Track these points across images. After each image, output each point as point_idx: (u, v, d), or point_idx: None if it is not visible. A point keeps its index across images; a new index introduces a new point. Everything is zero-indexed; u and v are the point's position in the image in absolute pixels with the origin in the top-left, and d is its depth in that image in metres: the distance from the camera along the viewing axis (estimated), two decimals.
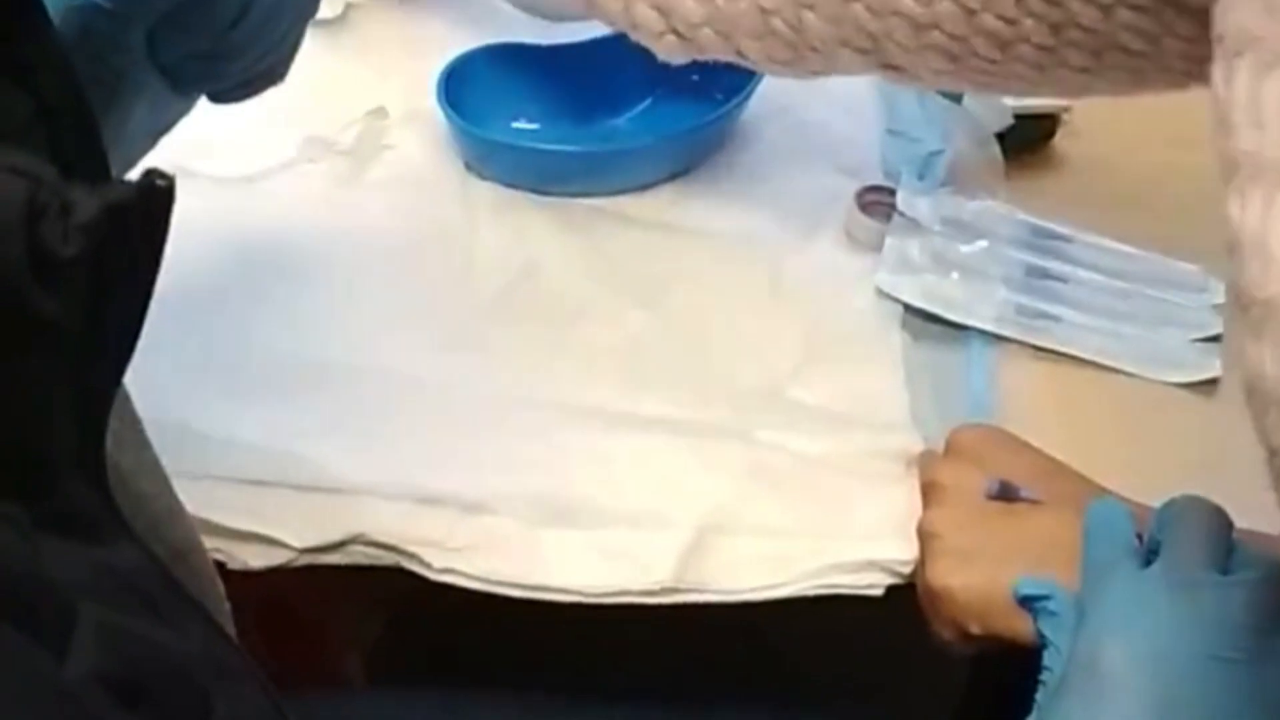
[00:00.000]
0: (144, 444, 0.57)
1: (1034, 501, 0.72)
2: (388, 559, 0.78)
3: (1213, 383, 0.87)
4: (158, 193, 0.41)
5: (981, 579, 0.69)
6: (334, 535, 0.77)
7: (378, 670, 1.11)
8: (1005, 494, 0.72)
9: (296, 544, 0.76)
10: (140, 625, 0.43)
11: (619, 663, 1.00)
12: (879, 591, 0.78)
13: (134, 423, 0.57)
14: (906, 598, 0.78)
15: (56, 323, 0.40)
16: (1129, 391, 0.86)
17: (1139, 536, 0.66)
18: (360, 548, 0.78)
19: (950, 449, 0.76)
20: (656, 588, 0.77)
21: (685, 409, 0.84)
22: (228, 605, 0.61)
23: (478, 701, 0.85)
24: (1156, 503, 0.72)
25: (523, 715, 0.86)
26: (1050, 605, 0.65)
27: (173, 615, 0.46)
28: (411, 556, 0.77)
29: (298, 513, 0.77)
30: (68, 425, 0.43)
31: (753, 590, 0.78)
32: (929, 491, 0.75)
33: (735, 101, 0.97)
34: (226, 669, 0.47)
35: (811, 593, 0.78)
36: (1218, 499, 0.75)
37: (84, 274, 0.40)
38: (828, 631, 0.99)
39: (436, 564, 0.77)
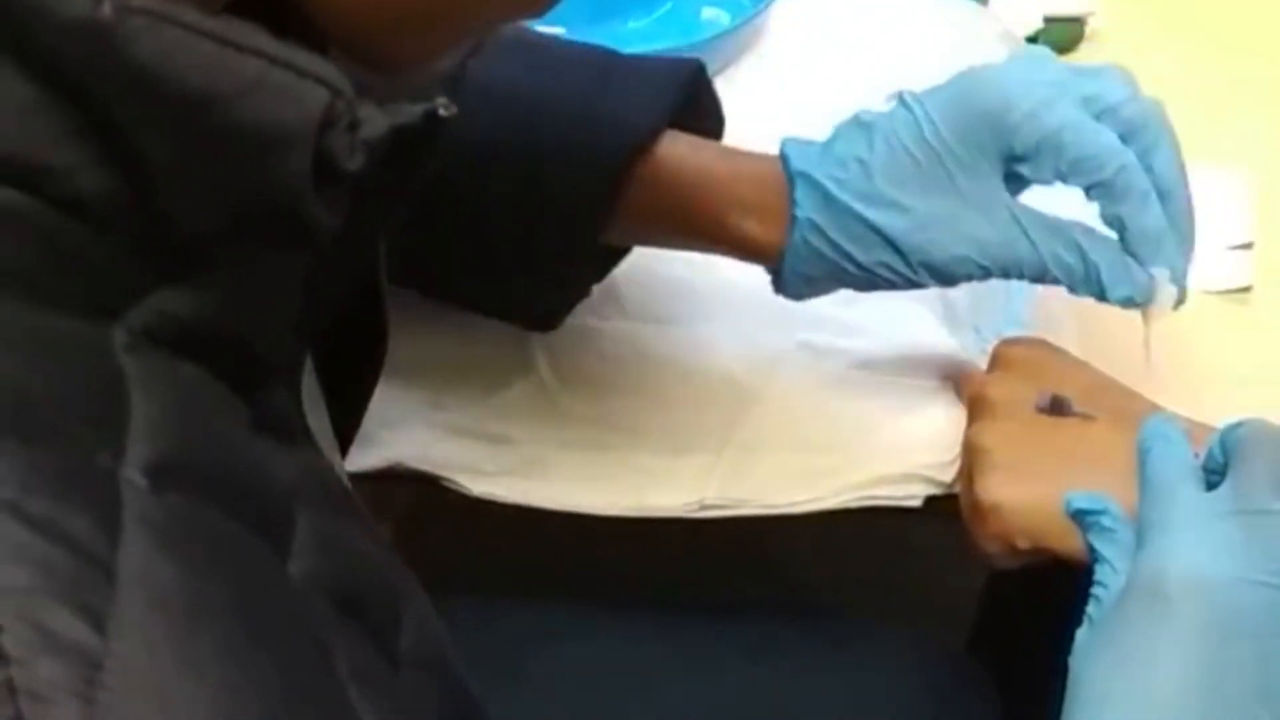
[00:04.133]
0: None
1: (1085, 416, 0.72)
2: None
3: (1246, 290, 0.87)
4: (438, 120, 0.41)
5: (1032, 494, 0.69)
6: (372, 464, 0.77)
7: None
8: (1056, 408, 0.72)
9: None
10: (344, 531, 0.44)
11: (623, 577, 1.01)
12: (918, 503, 0.78)
13: None
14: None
15: (320, 228, 0.40)
16: None
17: (1194, 455, 0.66)
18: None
19: (998, 362, 0.76)
20: (697, 504, 0.78)
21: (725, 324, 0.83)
22: None
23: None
24: (1190, 411, 0.73)
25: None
26: (1104, 520, 0.65)
27: (358, 523, 0.46)
28: (450, 482, 0.78)
29: None
30: (289, 330, 0.44)
31: (794, 504, 0.78)
32: (977, 405, 0.74)
33: (761, 5, 0.95)
34: (405, 579, 0.47)
35: (853, 505, 0.78)
36: (1253, 407, 0.76)
37: (353, 187, 0.40)
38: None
39: (475, 489, 0.77)
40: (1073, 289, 0.72)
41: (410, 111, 0.41)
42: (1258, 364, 0.82)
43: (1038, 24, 0.96)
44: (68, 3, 0.36)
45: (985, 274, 0.72)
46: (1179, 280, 0.71)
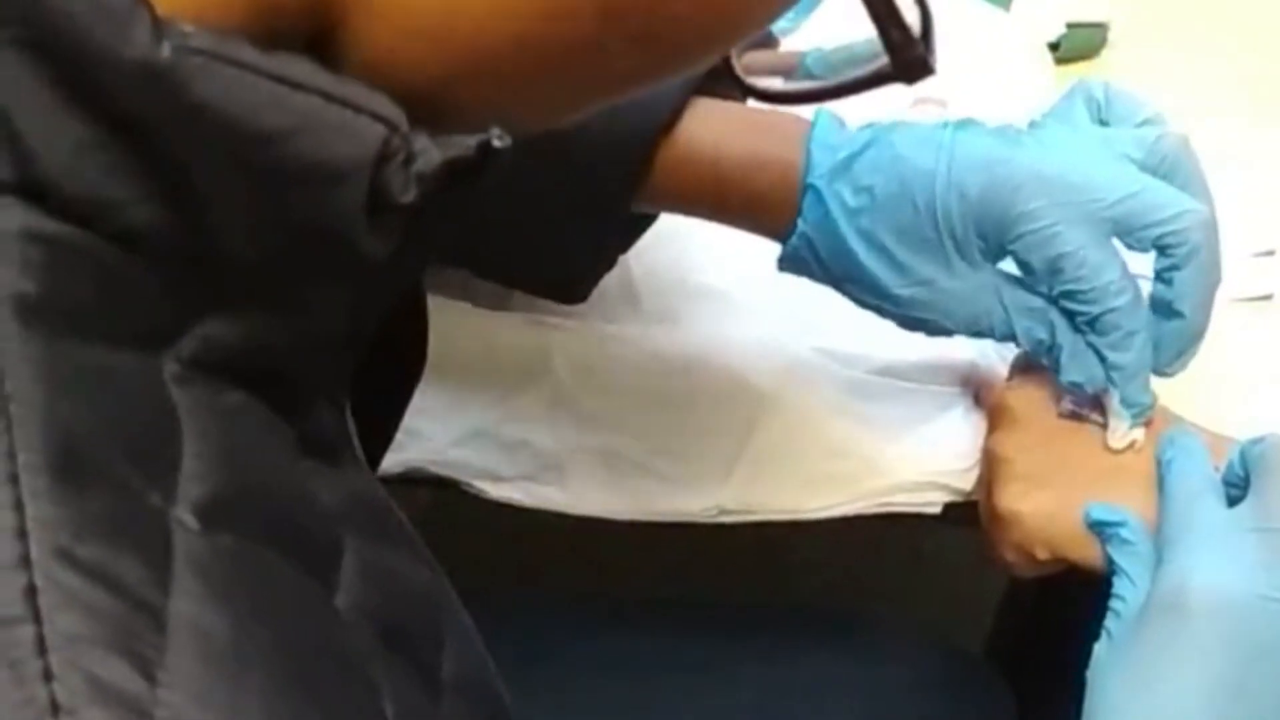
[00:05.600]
0: None
1: (1105, 425, 0.71)
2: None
3: (1267, 298, 0.86)
4: (492, 152, 0.41)
5: (1051, 504, 0.69)
6: (392, 468, 0.77)
7: None
8: (1077, 415, 0.72)
9: None
10: (388, 556, 0.44)
11: (639, 580, 1.01)
12: (937, 509, 0.78)
13: None
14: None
15: (370, 260, 0.41)
16: None
17: (1214, 468, 0.66)
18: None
19: (1019, 370, 0.76)
20: (715, 510, 0.78)
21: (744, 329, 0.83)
22: None
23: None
24: (1210, 419, 0.72)
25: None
26: (1123, 532, 0.65)
27: (401, 543, 0.46)
28: (468, 486, 0.78)
29: None
30: (336, 354, 0.45)
31: (811, 510, 0.78)
32: (997, 414, 0.74)
33: (790, 25, 0.95)
34: (446, 597, 0.47)
35: (871, 511, 0.78)
36: (1275, 415, 0.75)
37: (407, 220, 0.40)
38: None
39: (493, 493, 0.77)
40: (1037, 359, 0.72)
41: (464, 144, 0.41)
42: (1278, 372, 0.82)
43: (1060, 30, 0.96)
44: (126, 44, 0.36)
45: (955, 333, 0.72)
46: (1135, 418, 0.70)
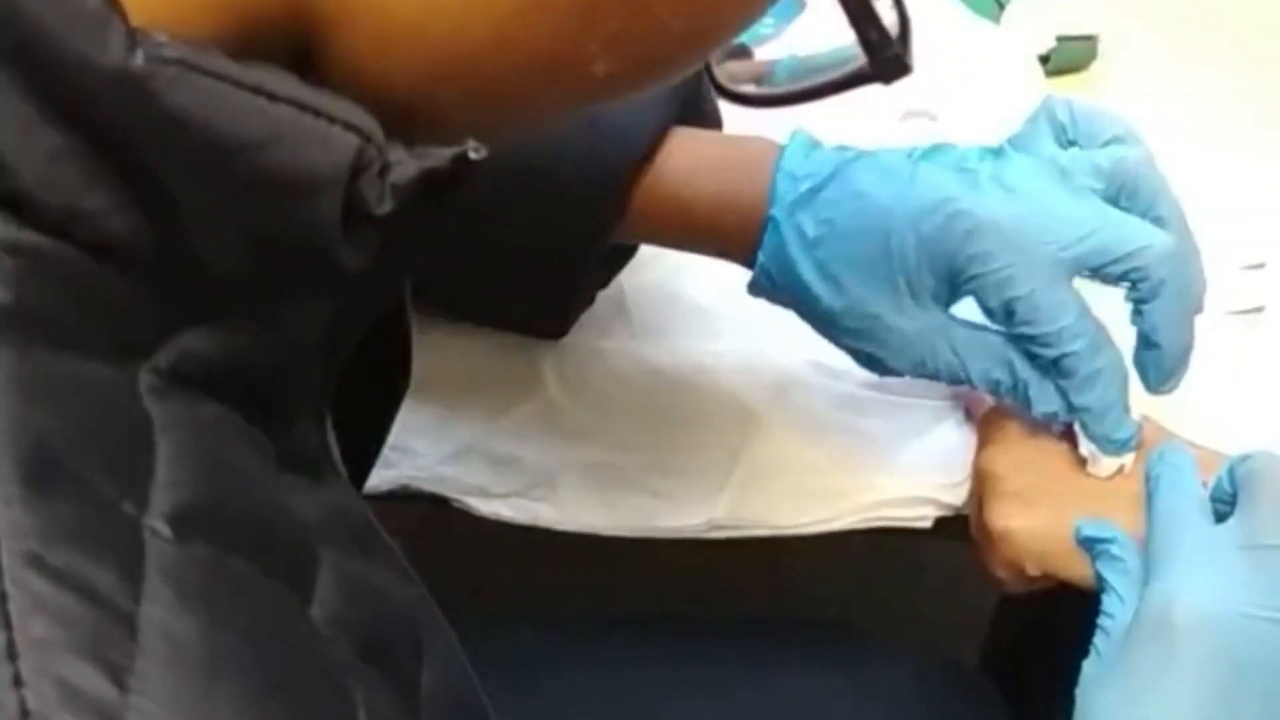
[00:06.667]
0: None
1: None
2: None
3: (1258, 310, 0.86)
4: (468, 163, 0.41)
5: (1042, 521, 0.69)
6: (381, 486, 0.77)
7: None
8: (1067, 431, 0.72)
9: None
10: (367, 571, 0.44)
11: (633, 595, 1.01)
12: (928, 524, 0.78)
13: None
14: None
15: (348, 270, 0.41)
16: None
17: (1202, 483, 0.66)
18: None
19: None
20: (706, 525, 0.78)
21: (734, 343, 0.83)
22: None
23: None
24: (1199, 433, 0.72)
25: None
26: (1113, 549, 0.65)
27: (382, 558, 0.46)
28: (458, 502, 0.78)
29: None
30: (316, 367, 0.45)
31: (803, 525, 0.78)
32: (987, 429, 0.74)
33: (772, 30, 0.95)
34: (428, 613, 0.47)
35: (861, 526, 0.78)
36: (1264, 431, 0.75)
37: (384, 232, 0.41)
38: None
39: (484, 510, 0.77)
40: (998, 398, 0.72)
41: (440, 155, 0.41)
42: (1270, 386, 0.82)
43: (1050, 43, 0.96)
44: (101, 53, 0.36)
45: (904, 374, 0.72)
46: (1113, 453, 0.70)
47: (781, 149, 0.72)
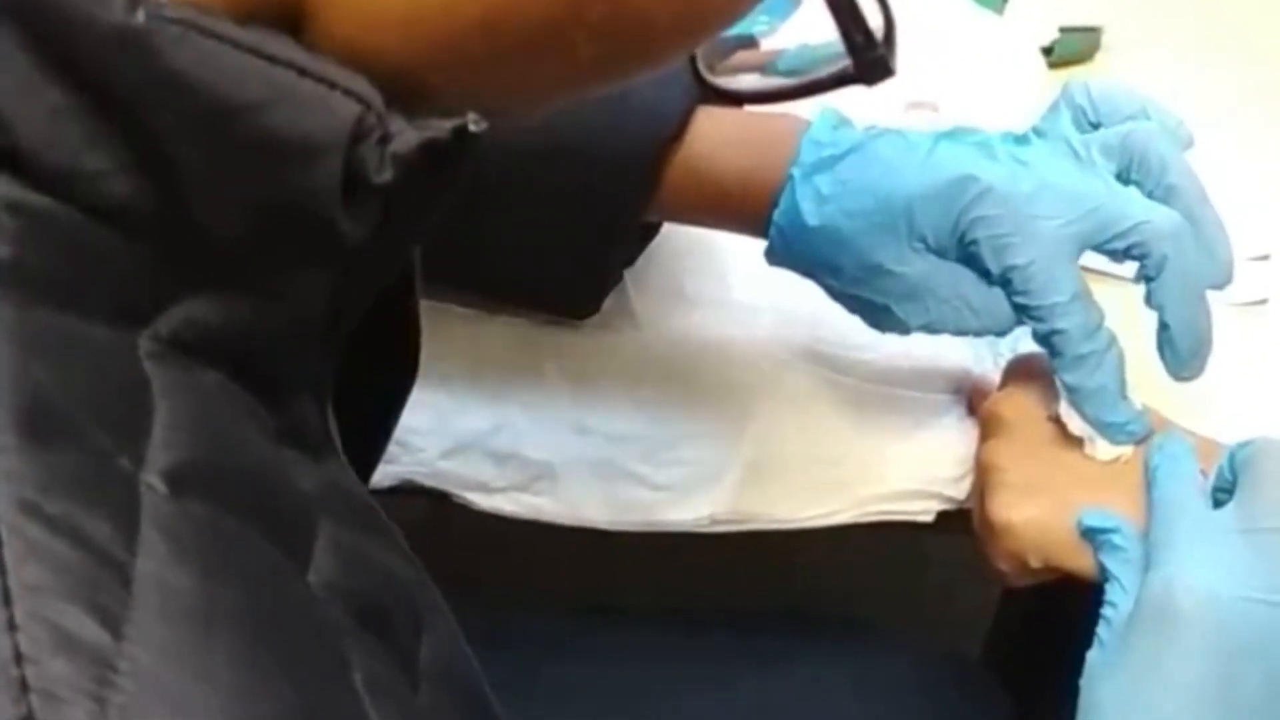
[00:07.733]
0: None
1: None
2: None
3: (1262, 303, 0.86)
4: (469, 136, 0.41)
5: (1043, 512, 0.68)
6: (382, 481, 0.76)
7: None
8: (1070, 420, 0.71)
9: None
10: (366, 544, 0.44)
11: (635, 588, 1.01)
12: (930, 518, 0.78)
13: None
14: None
15: (349, 240, 0.41)
16: None
17: (1202, 473, 0.66)
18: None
19: (1010, 378, 0.75)
20: (708, 519, 0.77)
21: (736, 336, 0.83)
22: None
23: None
24: (1203, 425, 0.72)
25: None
26: (1115, 539, 0.65)
27: (382, 538, 0.46)
28: (459, 497, 0.78)
29: None
30: (316, 343, 0.45)
31: (804, 519, 0.78)
32: (989, 422, 0.74)
33: (777, 19, 0.95)
34: (428, 596, 0.47)
35: (865, 520, 0.78)
36: (1267, 421, 0.75)
37: (383, 201, 0.40)
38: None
39: (484, 504, 0.77)
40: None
41: (440, 126, 0.40)
42: (1274, 378, 0.82)
43: (1053, 34, 0.95)
44: (101, 9, 0.36)
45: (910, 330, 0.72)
46: (1108, 435, 0.69)
47: (808, 123, 0.72)
